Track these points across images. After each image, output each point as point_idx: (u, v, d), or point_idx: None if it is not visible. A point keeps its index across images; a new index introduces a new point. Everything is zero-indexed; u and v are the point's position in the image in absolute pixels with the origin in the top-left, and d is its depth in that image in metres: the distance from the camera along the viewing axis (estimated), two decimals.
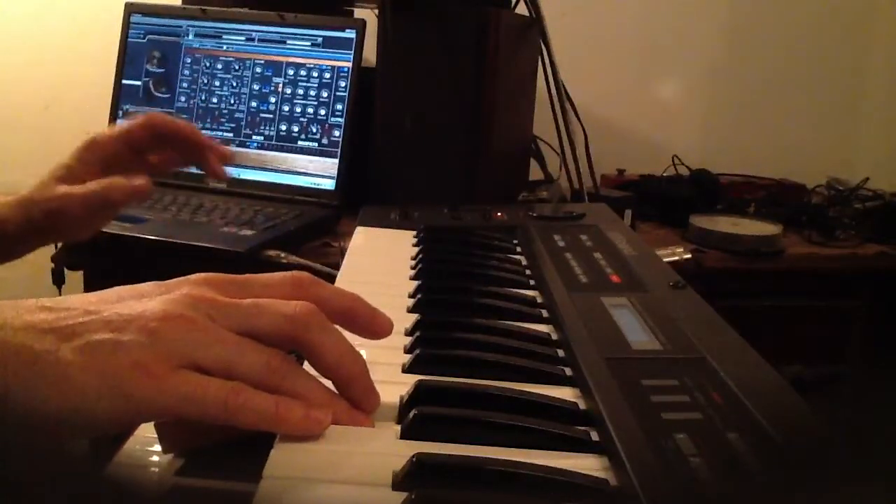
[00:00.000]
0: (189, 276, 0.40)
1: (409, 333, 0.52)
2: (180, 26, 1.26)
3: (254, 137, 1.22)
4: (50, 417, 0.32)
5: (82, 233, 0.71)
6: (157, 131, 0.72)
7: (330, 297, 0.41)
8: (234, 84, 1.23)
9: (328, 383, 0.40)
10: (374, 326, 0.43)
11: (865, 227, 1.35)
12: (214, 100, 1.24)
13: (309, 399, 0.38)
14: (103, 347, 0.34)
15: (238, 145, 1.22)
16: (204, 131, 1.23)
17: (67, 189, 0.67)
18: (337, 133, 1.18)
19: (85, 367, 0.33)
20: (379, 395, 0.41)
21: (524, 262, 0.71)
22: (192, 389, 0.35)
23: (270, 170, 1.21)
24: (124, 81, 1.28)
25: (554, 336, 0.53)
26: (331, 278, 0.62)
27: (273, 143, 1.21)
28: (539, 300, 0.61)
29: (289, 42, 1.22)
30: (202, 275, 0.40)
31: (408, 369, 0.46)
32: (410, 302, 0.58)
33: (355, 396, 0.40)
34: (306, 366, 0.40)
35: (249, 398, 0.36)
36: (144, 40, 1.27)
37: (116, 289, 0.39)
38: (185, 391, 0.34)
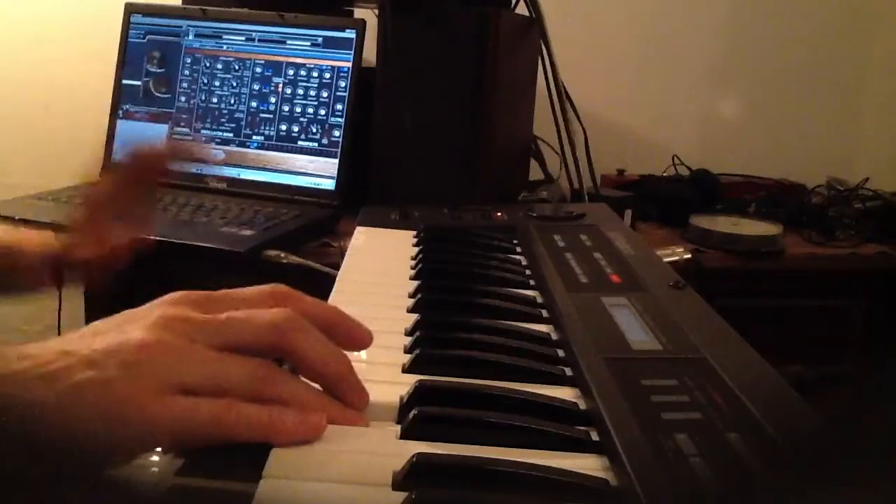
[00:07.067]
0: (164, 297, 0.40)
1: (409, 333, 0.52)
2: (180, 26, 1.26)
3: (254, 137, 1.22)
4: (49, 461, 0.32)
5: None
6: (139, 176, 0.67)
7: (308, 309, 0.41)
8: (234, 84, 1.23)
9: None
10: (354, 338, 0.43)
11: (865, 227, 1.35)
12: (214, 100, 1.24)
13: (301, 403, 0.37)
14: (88, 387, 0.33)
15: (238, 145, 1.22)
16: (204, 131, 1.24)
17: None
18: (337, 133, 1.18)
19: (73, 410, 0.33)
20: (368, 392, 0.41)
21: (524, 262, 0.71)
22: (183, 414, 0.34)
23: (270, 170, 1.21)
24: (124, 81, 1.28)
25: (554, 336, 0.53)
26: (331, 278, 0.62)
27: (273, 143, 1.21)
28: (539, 300, 0.61)
29: (289, 42, 1.22)
30: (177, 294, 0.40)
31: (408, 369, 0.46)
32: (410, 302, 0.58)
33: (344, 395, 0.40)
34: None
35: (241, 412, 0.35)
36: (144, 40, 1.27)
37: (93, 324, 0.38)
38: (176, 417, 0.34)
